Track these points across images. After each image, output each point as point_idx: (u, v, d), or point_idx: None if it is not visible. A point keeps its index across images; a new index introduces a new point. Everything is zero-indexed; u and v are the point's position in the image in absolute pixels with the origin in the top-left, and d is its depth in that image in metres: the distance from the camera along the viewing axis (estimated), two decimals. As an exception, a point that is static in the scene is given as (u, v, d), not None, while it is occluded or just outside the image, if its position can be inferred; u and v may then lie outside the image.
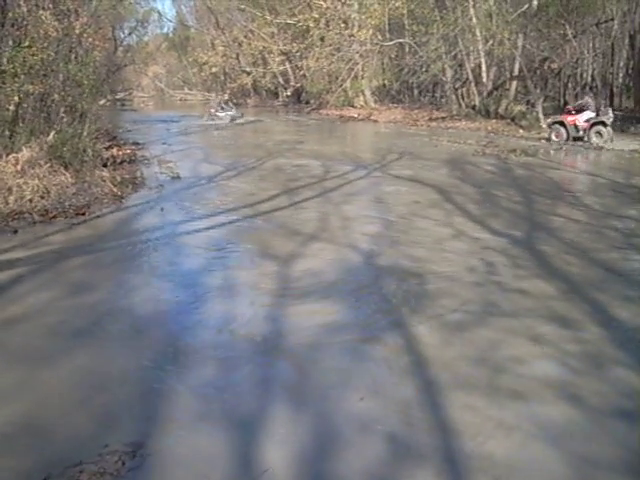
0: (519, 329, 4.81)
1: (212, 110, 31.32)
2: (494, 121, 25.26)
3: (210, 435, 3.46)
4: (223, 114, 30.02)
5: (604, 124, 17.64)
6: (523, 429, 3.48)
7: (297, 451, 3.29)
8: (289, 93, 40.37)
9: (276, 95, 48.13)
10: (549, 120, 20.23)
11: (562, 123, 18.70)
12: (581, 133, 18.12)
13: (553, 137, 18.86)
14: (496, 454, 3.25)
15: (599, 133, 17.65)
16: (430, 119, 28.01)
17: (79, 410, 3.70)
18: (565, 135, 18.44)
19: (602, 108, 18.78)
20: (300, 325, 4.90)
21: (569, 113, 18.76)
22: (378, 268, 6.55)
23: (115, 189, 10.35)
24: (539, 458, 3.23)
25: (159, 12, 62.41)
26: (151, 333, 4.83)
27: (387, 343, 4.63)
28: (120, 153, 14.65)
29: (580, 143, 17.87)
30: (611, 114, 18.06)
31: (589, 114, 18.12)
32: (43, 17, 13.19)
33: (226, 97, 34.88)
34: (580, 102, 19.17)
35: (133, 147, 17.09)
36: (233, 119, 29.46)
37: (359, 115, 32.23)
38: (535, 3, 25.46)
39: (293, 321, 4.98)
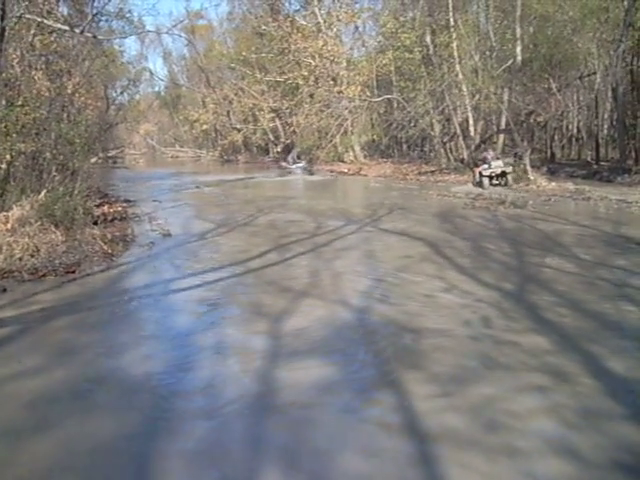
0: (514, 383, 4.76)
1: (283, 164, 35.38)
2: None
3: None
4: (294, 166, 34.24)
5: (485, 176, 21.25)
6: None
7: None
8: (279, 149, 40.73)
9: (267, 151, 48.59)
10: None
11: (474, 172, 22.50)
12: (479, 179, 21.47)
13: (471, 184, 22.26)
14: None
15: (481, 182, 21.24)
16: (419, 173, 28.26)
17: (68, 475, 3.61)
18: (474, 182, 22.01)
19: (491, 161, 21.65)
20: (292, 385, 4.83)
21: (476, 166, 22.51)
22: (370, 324, 6.51)
23: (106, 247, 10.33)
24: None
25: (151, 71, 63.10)
26: (140, 397, 4.74)
27: (381, 401, 4.58)
28: (111, 210, 14.69)
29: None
30: (495, 166, 21.26)
31: (482, 167, 21.56)
32: (36, 77, 13.37)
33: (296, 152, 37.48)
34: (482, 155, 23.14)
35: (124, 204, 17.13)
36: (304, 170, 33.33)
37: (349, 170, 32.50)
38: (519, 58, 25.99)
39: (284, 381, 4.92)
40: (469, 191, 20.32)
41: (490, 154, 22.55)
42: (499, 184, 21.24)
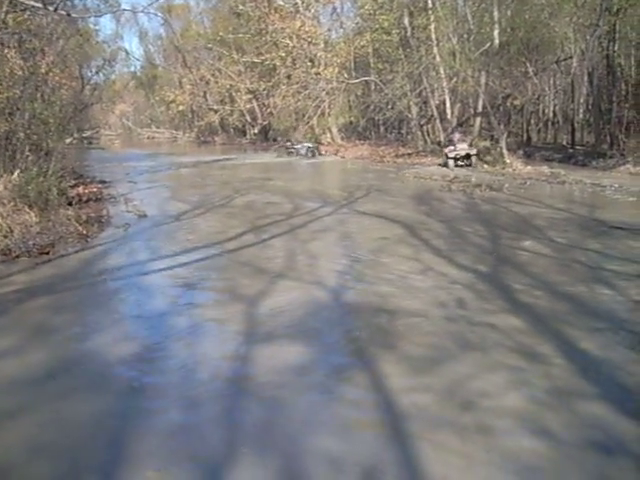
0: (488, 363, 4.81)
1: (288, 143, 33.45)
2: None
3: (177, 474, 3.39)
4: (299, 146, 32.30)
5: (450, 157, 22.28)
6: (492, 463, 3.47)
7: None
8: (256, 131, 40.57)
9: (244, 133, 48.37)
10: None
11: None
12: (448, 161, 22.44)
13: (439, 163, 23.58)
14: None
15: (447, 163, 22.32)
16: (396, 155, 28.30)
17: (45, 458, 3.60)
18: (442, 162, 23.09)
19: (456, 144, 22.65)
20: (268, 364, 4.85)
21: (446, 146, 23.58)
22: (346, 305, 6.53)
23: (81, 228, 10.25)
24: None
25: (126, 51, 62.26)
26: (116, 377, 4.73)
27: (355, 381, 4.60)
28: (86, 191, 14.57)
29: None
30: (460, 148, 22.31)
31: (448, 148, 22.73)
32: (9, 56, 13.16)
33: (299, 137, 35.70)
34: (447, 135, 25.00)
35: (99, 185, 17.00)
36: (308, 150, 31.73)
37: (326, 152, 32.45)
38: (497, 42, 26.00)
39: (260, 360, 4.93)
40: (445, 173, 20.38)
41: (456, 136, 23.48)
42: (463, 165, 22.17)
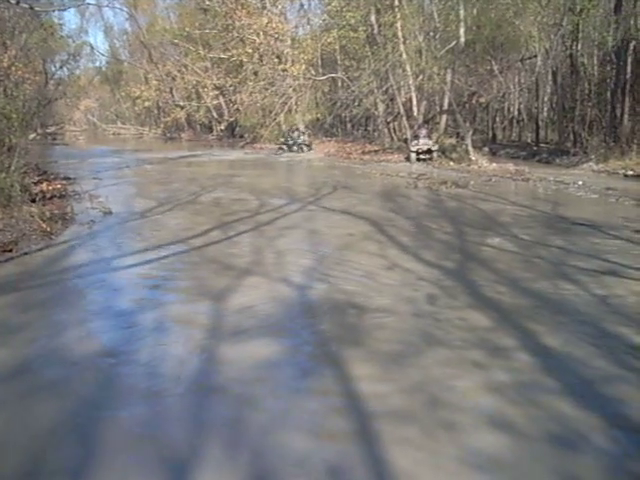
0: (453, 359, 4.85)
1: (282, 139, 32.07)
2: (426, 154, 25.73)
3: (143, 474, 3.38)
4: (291, 142, 31.11)
5: (412, 151, 24.10)
6: (457, 458, 3.50)
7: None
8: (223, 127, 40.31)
9: (210, 129, 48.09)
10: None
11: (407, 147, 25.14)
12: (410, 154, 24.30)
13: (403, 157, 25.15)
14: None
15: (419, 156, 23.94)
16: (363, 152, 28.39)
17: (5, 459, 3.56)
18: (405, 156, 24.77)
19: (418, 139, 24.44)
20: (234, 362, 4.83)
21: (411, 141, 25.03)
22: (313, 302, 6.54)
23: (44, 225, 10.11)
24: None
25: (91, 46, 61.64)
26: (82, 376, 4.68)
27: (323, 379, 4.61)
28: (50, 188, 14.36)
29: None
30: (422, 143, 24.07)
31: (411, 143, 24.47)
32: (-31, 50, 12.95)
33: (301, 127, 33.90)
34: (413, 132, 25.69)
35: (64, 182, 16.77)
36: (300, 147, 30.61)
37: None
38: (462, 40, 26.19)
39: (227, 358, 4.91)
40: (411, 171, 20.52)
41: (422, 132, 24.77)
42: (425, 159, 23.80)
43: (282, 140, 31.96)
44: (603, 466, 3.44)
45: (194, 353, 5.04)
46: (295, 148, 30.69)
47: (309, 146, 30.90)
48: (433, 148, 24.19)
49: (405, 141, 27.60)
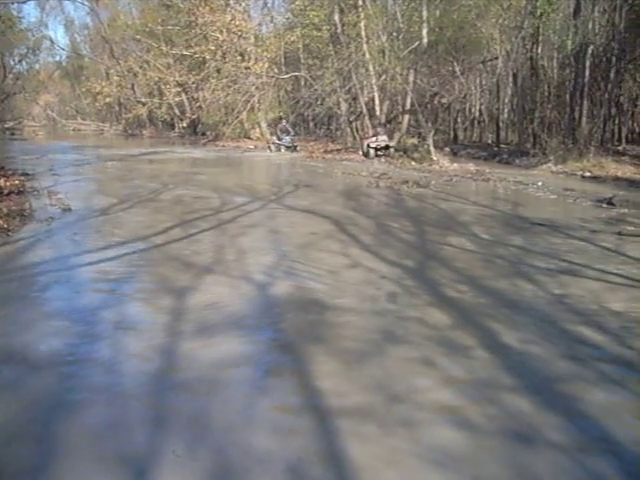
0: (413, 357, 4.90)
1: (273, 137, 30.88)
2: (388, 153, 25.90)
3: (102, 474, 3.35)
4: (279, 141, 29.94)
5: (371, 147, 25.44)
6: (416, 454, 3.55)
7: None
8: (185, 124, 40.07)
9: (172, 126, 47.79)
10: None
11: (362, 143, 26.73)
12: (366, 150, 25.71)
13: (360, 153, 26.32)
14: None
15: (368, 152, 25.45)
16: (325, 151, 28.42)
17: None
18: (363, 151, 26.08)
19: (377, 136, 25.82)
20: (196, 361, 4.82)
21: (367, 138, 26.51)
22: (275, 300, 6.55)
23: (1, 222, 9.95)
24: (432, 484, 3.30)
25: (51, 40, 60.75)
26: (41, 375, 4.61)
27: (284, 377, 4.62)
28: (7, 184, 14.13)
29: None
30: (381, 140, 25.47)
31: (370, 140, 25.75)
32: None
33: (284, 122, 31.70)
34: (374, 131, 26.79)
35: (22, 178, 16.49)
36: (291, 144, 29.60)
37: (255, 147, 32.35)
38: (425, 41, 26.39)
39: (189, 357, 4.89)
40: (374, 170, 20.62)
41: (381, 131, 26.18)
42: (382, 155, 25.13)
43: (274, 139, 30.88)
44: (556, 460, 3.50)
45: (155, 351, 5.01)
46: (283, 149, 29.65)
47: (295, 147, 29.97)
48: (390, 144, 25.62)
49: (360, 139, 27.82)
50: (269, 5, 38.22)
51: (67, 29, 68.05)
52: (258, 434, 3.76)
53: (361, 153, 26.29)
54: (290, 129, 30.68)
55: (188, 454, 3.55)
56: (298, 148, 29.89)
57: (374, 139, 25.60)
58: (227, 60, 32.40)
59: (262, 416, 4.01)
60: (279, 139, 30.09)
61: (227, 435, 3.77)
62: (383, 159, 24.80)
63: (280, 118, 34.12)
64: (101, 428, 3.85)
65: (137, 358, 4.87)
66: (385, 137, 25.86)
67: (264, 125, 36.70)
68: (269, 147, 30.61)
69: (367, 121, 28.84)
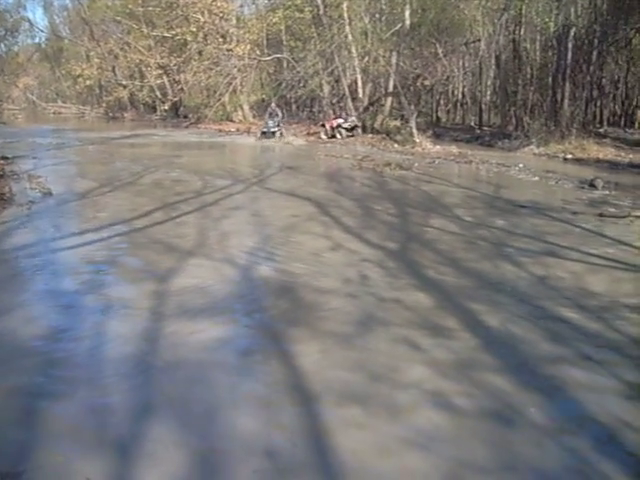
0: (396, 339, 4.91)
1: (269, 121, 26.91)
2: (370, 136, 25.86)
3: (87, 459, 3.34)
4: (272, 123, 26.50)
5: (343, 127, 26.07)
6: (397, 435, 3.56)
7: (177, 470, 3.23)
8: (167, 107, 39.70)
9: (154, 109, 47.29)
10: (320, 124, 27.73)
11: (324, 125, 26.81)
12: (334, 132, 26.06)
13: (322, 135, 26.36)
14: (371, 460, 3.30)
15: (340, 132, 25.89)
16: (308, 134, 28.28)
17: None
18: (326, 133, 26.29)
19: (347, 117, 26.96)
20: (179, 344, 4.81)
21: (330, 120, 26.92)
22: (257, 282, 6.55)
23: (-19, 206, 9.86)
24: (414, 464, 3.31)
25: (30, 21, 59.96)
26: (24, 360, 4.57)
27: (267, 359, 4.62)
28: (-14, 168, 13.99)
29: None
30: (351, 120, 26.50)
31: (339, 120, 26.40)
32: None
33: (273, 104, 27.68)
34: (340, 114, 27.77)
35: (1, 161, 16.30)
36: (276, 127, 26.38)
37: (237, 130, 32.17)
38: (407, 23, 26.32)
39: (172, 340, 4.88)
40: (356, 152, 20.58)
41: (350, 114, 27.41)
42: (351, 135, 25.94)
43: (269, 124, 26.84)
44: (537, 439, 3.53)
45: (139, 334, 4.99)
46: (274, 134, 26.32)
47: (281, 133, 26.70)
48: (358, 124, 26.63)
49: (323, 122, 27.34)
50: (251, -14, 37.93)
51: (46, 10, 66.87)
52: (242, 415, 3.76)
53: (324, 135, 26.35)
54: (279, 112, 27.15)
55: (173, 436, 3.55)
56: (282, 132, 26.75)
57: (342, 120, 26.45)
58: (209, 42, 32.13)
59: (245, 398, 4.01)
60: (267, 124, 26.69)
61: (211, 417, 3.76)
62: (355, 139, 25.65)
63: (262, 101, 33.66)
64: (83, 412, 3.83)
65: (119, 342, 4.84)
66: (353, 118, 26.80)
67: (246, 108, 36.48)
68: (262, 133, 26.90)
69: (350, 103, 28.74)
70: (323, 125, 27.07)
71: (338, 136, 25.78)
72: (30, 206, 10.50)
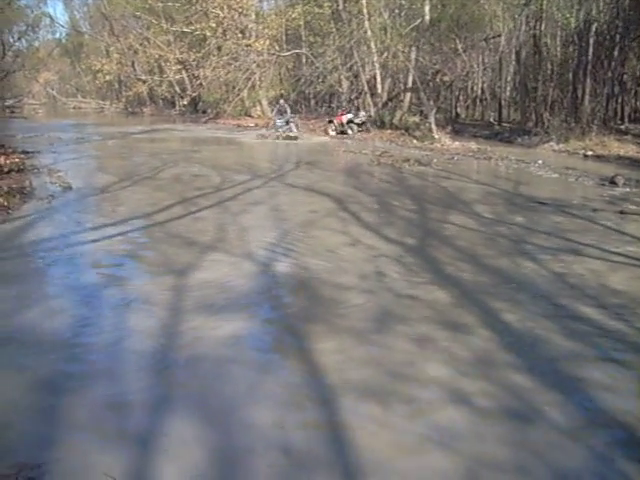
0: (414, 335, 4.90)
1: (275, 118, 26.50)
2: (389, 131, 25.76)
3: (106, 452, 3.35)
4: (280, 121, 25.84)
5: (354, 122, 25.92)
6: (416, 432, 3.55)
7: (195, 464, 3.24)
8: (186, 102, 39.79)
9: (173, 104, 47.46)
10: (328, 120, 27.80)
11: (331, 121, 26.80)
12: (345, 127, 25.95)
13: (330, 131, 26.39)
14: (390, 458, 3.30)
15: (351, 128, 25.72)
16: (326, 129, 28.25)
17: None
18: (334, 129, 26.28)
19: (357, 112, 27.20)
20: (198, 338, 4.83)
21: (338, 116, 26.86)
22: (276, 278, 6.55)
23: (1, 200, 9.93)
24: (432, 461, 3.30)
25: (50, 17, 60.35)
26: (47, 353, 4.60)
27: (286, 354, 4.63)
28: (7, 162, 14.09)
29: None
30: (362, 115, 26.70)
31: (349, 116, 26.25)
32: None
33: (281, 101, 27.30)
34: (349, 109, 27.93)
35: (22, 156, 16.45)
36: (287, 124, 25.52)
37: (256, 125, 32.19)
38: (427, 18, 26.19)
39: (193, 335, 4.89)
40: (375, 147, 20.54)
41: (361, 109, 28.18)
42: (361, 130, 25.89)
43: (277, 122, 26.16)
44: (556, 439, 3.51)
45: (159, 329, 5.01)
46: (290, 132, 25.26)
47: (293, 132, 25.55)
48: (367, 120, 26.67)
49: (331, 119, 27.19)
50: (270, -18, 37.92)
51: (66, 6, 67.25)
52: (262, 410, 3.77)
53: (332, 131, 26.29)
54: (288, 108, 26.48)
55: (194, 429, 3.56)
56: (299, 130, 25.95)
57: (351, 116, 26.37)
58: (228, 37, 32.15)
59: (265, 394, 4.01)
60: (278, 122, 25.92)
61: (231, 411, 3.78)
62: (373, 134, 25.53)
63: (281, 96, 33.62)
64: (105, 404, 3.85)
65: (140, 337, 4.86)
66: (363, 113, 27.14)
67: (265, 103, 36.50)
68: (275, 130, 25.76)
69: (369, 99, 28.69)
70: (330, 121, 26.95)
71: (349, 132, 25.64)
72: (50, 200, 10.57)
